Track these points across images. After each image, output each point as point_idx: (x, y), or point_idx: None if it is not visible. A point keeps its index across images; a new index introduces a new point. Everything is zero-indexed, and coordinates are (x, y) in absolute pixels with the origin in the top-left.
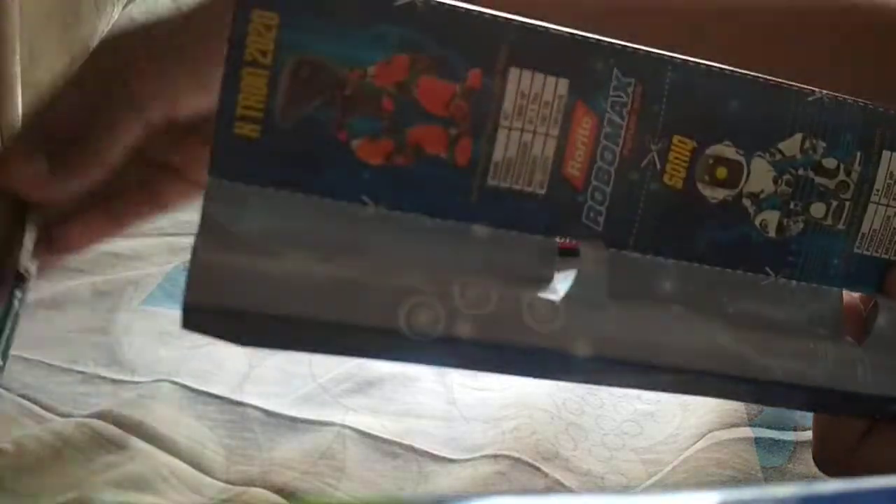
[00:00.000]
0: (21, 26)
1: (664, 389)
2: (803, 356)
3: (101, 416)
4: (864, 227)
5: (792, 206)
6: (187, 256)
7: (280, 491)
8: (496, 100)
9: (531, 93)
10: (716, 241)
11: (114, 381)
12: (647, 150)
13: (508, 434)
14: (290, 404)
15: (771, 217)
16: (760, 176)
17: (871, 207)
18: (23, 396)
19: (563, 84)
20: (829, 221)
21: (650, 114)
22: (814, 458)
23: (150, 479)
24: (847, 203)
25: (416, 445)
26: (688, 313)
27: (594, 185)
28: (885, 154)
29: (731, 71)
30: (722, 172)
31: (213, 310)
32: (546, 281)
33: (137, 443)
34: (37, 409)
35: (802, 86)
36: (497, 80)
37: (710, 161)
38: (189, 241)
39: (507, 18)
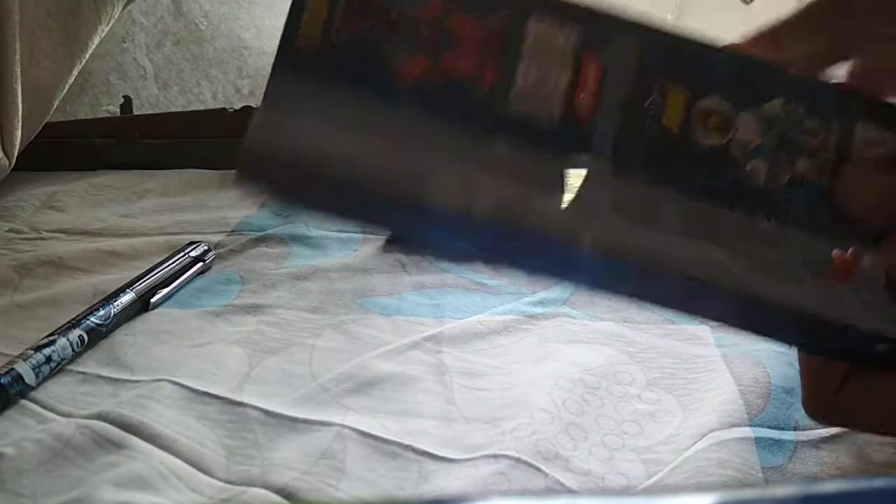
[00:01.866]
0: (21, 26)
1: (660, 301)
2: (795, 282)
3: (101, 416)
4: (843, 184)
5: (777, 157)
6: None
7: (280, 491)
8: (520, 39)
9: (547, 38)
10: (711, 186)
11: (114, 381)
12: (650, 93)
13: (508, 434)
14: (290, 404)
15: (759, 166)
16: (748, 128)
17: (846, 165)
18: (23, 397)
19: (575, 34)
20: (813, 176)
21: (650, 65)
22: (802, 404)
23: (150, 479)
24: (828, 159)
25: (416, 445)
26: (687, 238)
27: (601, 121)
28: (859, 125)
29: (716, 45)
30: (714, 121)
31: (264, 159)
32: (565, 190)
33: (137, 443)
34: (37, 409)
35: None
36: (520, 20)
37: (703, 111)
38: (188, 238)
39: None
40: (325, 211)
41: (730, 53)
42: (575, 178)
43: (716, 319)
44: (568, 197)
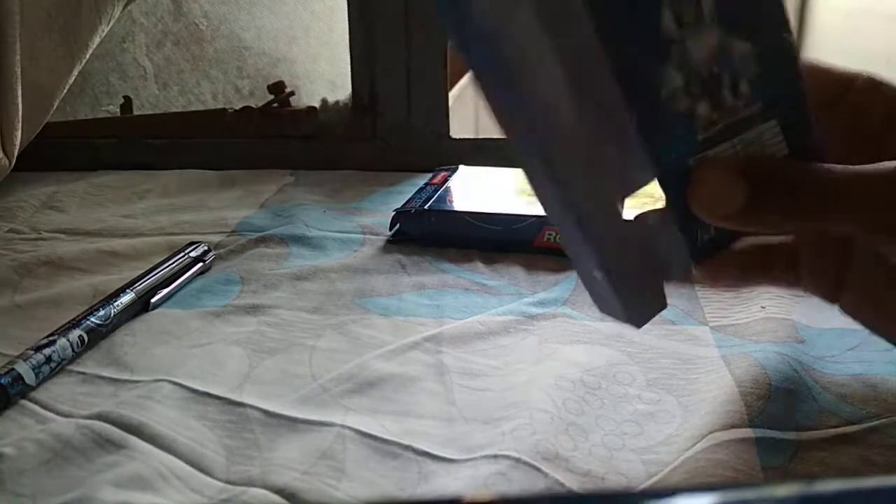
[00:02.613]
0: (21, 26)
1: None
2: (588, 173)
3: (101, 416)
4: (711, 153)
5: (692, 87)
6: None
7: (280, 491)
8: None
9: None
10: (632, 55)
11: (114, 381)
12: None
13: (508, 434)
14: (290, 404)
15: (675, 79)
16: (702, 46)
17: (726, 144)
18: (23, 397)
19: None
20: (699, 123)
21: None
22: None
23: (150, 479)
24: (720, 124)
25: (416, 445)
26: (565, 80)
27: None
28: (772, 122)
29: None
30: (688, 15)
31: None
32: None
33: (137, 443)
34: (37, 409)
35: (790, 22)
36: None
37: None
38: (188, 239)
39: None
40: None
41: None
42: None
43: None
44: None
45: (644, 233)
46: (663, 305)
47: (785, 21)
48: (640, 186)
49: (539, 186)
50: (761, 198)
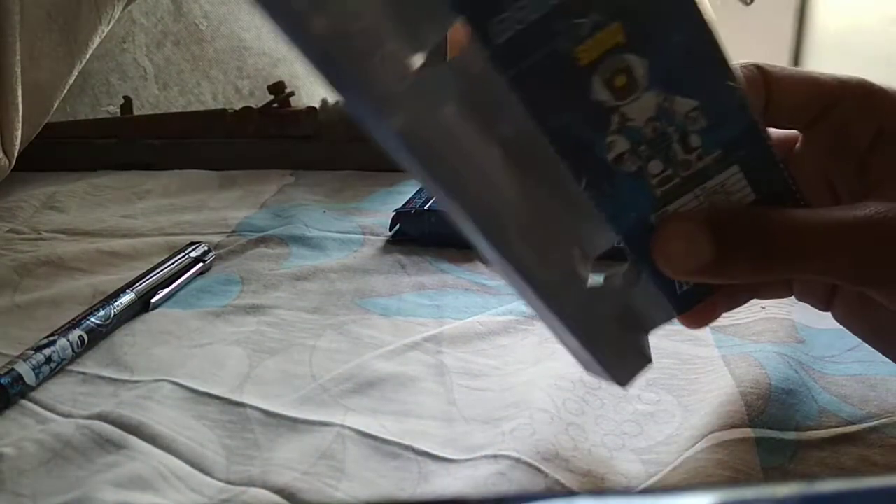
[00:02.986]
0: (21, 26)
1: (441, 203)
2: (541, 249)
3: (101, 416)
4: (672, 208)
5: (641, 148)
6: None
7: (280, 491)
8: None
9: None
10: (568, 129)
11: (114, 381)
12: (586, 14)
13: (508, 434)
14: (290, 404)
15: (620, 144)
16: (642, 108)
17: (688, 196)
18: (23, 397)
19: None
20: (654, 181)
21: None
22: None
23: (150, 479)
24: (677, 178)
25: (416, 446)
26: (501, 160)
27: (525, 4)
28: (734, 168)
29: (699, 7)
30: (621, 81)
31: None
32: (421, 52)
33: (137, 443)
34: (37, 409)
35: (732, 65)
36: None
37: (621, 65)
38: (188, 239)
39: None
40: None
41: (704, 32)
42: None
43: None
44: (417, 65)
45: (615, 295)
46: (648, 360)
47: (727, 70)
48: (603, 249)
49: (493, 262)
50: (730, 250)
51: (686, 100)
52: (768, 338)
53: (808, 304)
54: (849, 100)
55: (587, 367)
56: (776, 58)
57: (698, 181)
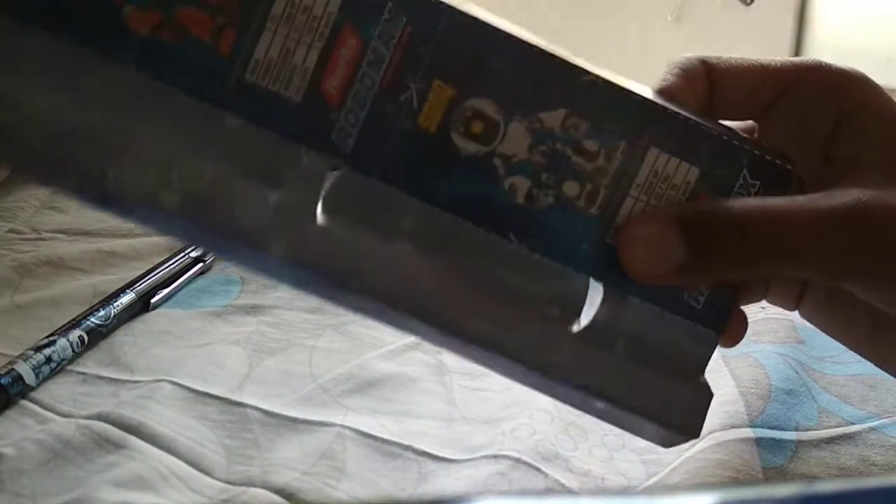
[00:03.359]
0: None
1: (355, 311)
2: (505, 323)
3: (101, 416)
4: (620, 219)
5: (544, 177)
6: None
7: (280, 491)
8: (265, 1)
9: (301, 3)
10: (460, 194)
11: (114, 381)
12: (407, 87)
13: (508, 434)
14: (290, 404)
15: (521, 183)
16: (516, 140)
17: (628, 200)
18: (23, 397)
19: (335, 2)
20: (581, 203)
21: (416, 53)
22: None
23: (150, 479)
24: (602, 189)
25: (416, 445)
26: (414, 253)
27: (349, 107)
28: (652, 151)
29: (509, 31)
30: (477, 127)
31: None
32: (278, 183)
33: (137, 443)
34: (37, 409)
35: (582, 65)
36: None
37: (468, 113)
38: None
39: None
40: (24, 173)
41: (526, 48)
42: (295, 168)
43: (409, 333)
44: (277, 194)
45: (616, 330)
46: (708, 392)
47: (578, 69)
48: (581, 298)
49: (469, 356)
50: (703, 249)
51: (551, 112)
52: (768, 338)
53: (777, 304)
54: (805, 83)
55: (641, 434)
56: (776, 58)
57: (626, 182)
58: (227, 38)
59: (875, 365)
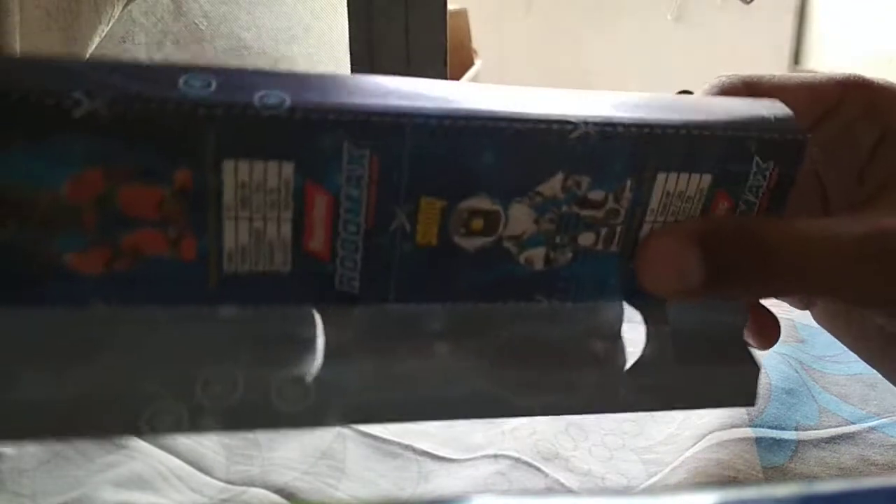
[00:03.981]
0: (21, 26)
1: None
2: (561, 389)
3: None
4: (642, 234)
5: (558, 240)
6: None
7: (280, 491)
8: (214, 195)
9: (253, 182)
10: (477, 282)
11: None
12: (394, 216)
13: (508, 434)
14: None
15: (536, 253)
16: (520, 220)
17: (645, 227)
18: None
19: (288, 167)
20: (599, 247)
21: (390, 182)
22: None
23: (150, 479)
24: (619, 227)
25: (416, 445)
26: (452, 353)
27: (342, 255)
28: (660, 176)
29: (482, 122)
30: (478, 224)
31: None
32: (308, 343)
33: (137, 443)
34: None
35: (566, 120)
36: (210, 176)
37: (465, 215)
38: None
39: (210, 105)
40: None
41: (502, 130)
42: (313, 330)
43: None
44: (310, 367)
45: (675, 343)
46: (755, 363)
47: (563, 127)
48: (618, 320)
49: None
50: (722, 269)
51: (548, 182)
52: None
53: (789, 303)
54: (850, 101)
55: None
56: (776, 58)
57: (640, 212)
58: (188, 246)
59: (884, 377)
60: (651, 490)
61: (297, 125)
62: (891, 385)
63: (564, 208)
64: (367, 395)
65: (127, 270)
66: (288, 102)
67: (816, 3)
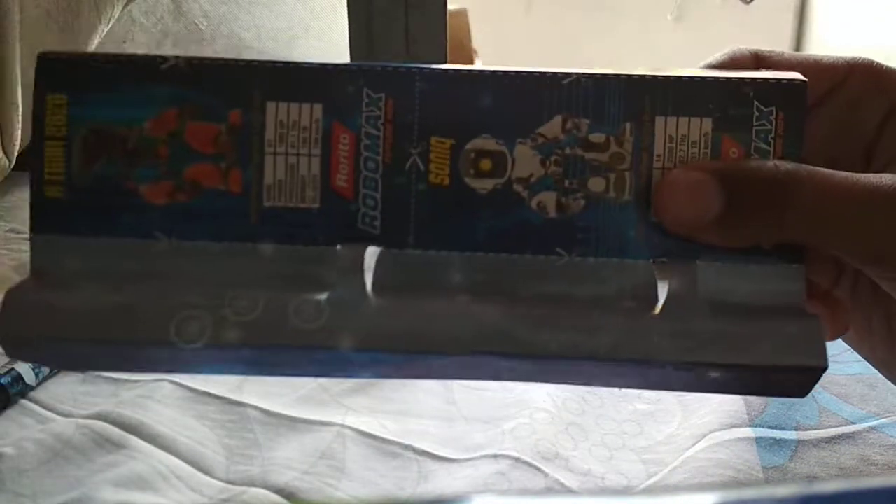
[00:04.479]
0: (21, 26)
1: (439, 376)
2: (583, 329)
3: (101, 416)
4: (654, 180)
5: (567, 184)
6: None
7: (280, 491)
8: (258, 132)
9: (289, 121)
10: (494, 230)
11: (114, 380)
12: (408, 155)
13: (508, 434)
14: (290, 404)
15: (548, 198)
16: (527, 161)
17: (655, 174)
18: (23, 396)
19: (318, 109)
20: (612, 194)
21: (404, 122)
22: None
23: (150, 479)
24: (627, 173)
25: (416, 445)
26: (474, 301)
27: (364, 193)
28: (659, 120)
29: (479, 71)
30: (486, 164)
31: (17, 338)
32: (326, 285)
33: (137, 443)
34: (37, 409)
35: (558, 70)
36: (256, 115)
37: (472, 155)
38: None
39: (259, 62)
40: (82, 370)
41: (500, 78)
42: (335, 266)
43: (498, 379)
44: (328, 295)
45: (710, 295)
46: (816, 321)
47: (556, 76)
48: (651, 283)
49: (558, 376)
50: (739, 205)
51: (548, 124)
52: None
53: (813, 278)
54: (857, 79)
55: (776, 389)
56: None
57: (646, 158)
58: (235, 178)
59: (886, 378)
60: (651, 490)
61: (326, 73)
62: (891, 385)
63: (568, 150)
64: (379, 322)
65: (186, 202)
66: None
67: (816, 3)
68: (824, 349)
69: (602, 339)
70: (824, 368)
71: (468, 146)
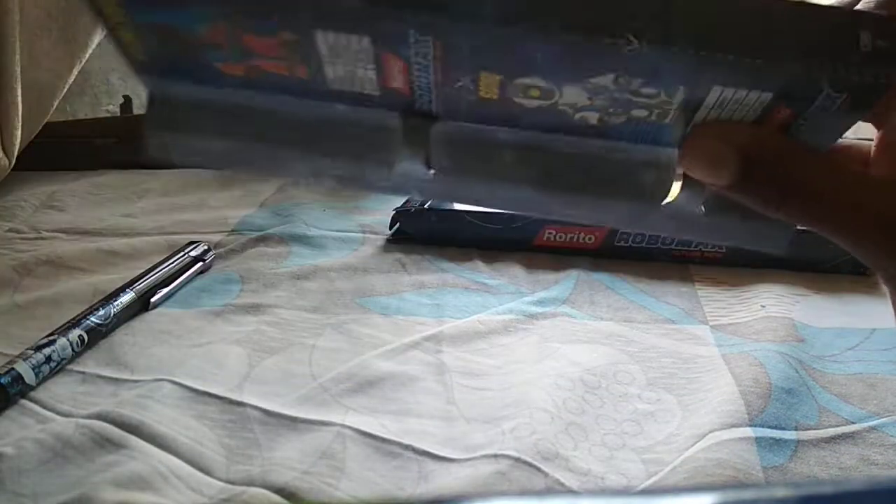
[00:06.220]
0: (21, 26)
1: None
2: (598, 211)
3: (101, 416)
4: (697, 118)
5: (611, 110)
6: None
7: (280, 491)
8: (313, 49)
9: (339, 46)
10: (539, 125)
11: (114, 380)
12: (458, 80)
13: (508, 434)
14: (290, 404)
15: (590, 115)
16: (574, 96)
17: (700, 112)
18: (23, 396)
19: (366, 40)
20: (653, 118)
21: (454, 61)
22: None
23: (150, 479)
24: (671, 109)
25: (416, 445)
26: (511, 164)
27: (419, 93)
28: (715, 89)
29: (531, 25)
30: (535, 92)
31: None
32: (393, 148)
33: (137, 443)
34: (37, 408)
35: (620, 39)
36: (306, 37)
37: (521, 87)
38: (188, 238)
39: None
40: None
41: (555, 34)
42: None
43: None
44: (396, 156)
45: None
46: (790, 227)
47: (617, 43)
48: (672, 163)
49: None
50: (751, 180)
51: (600, 77)
52: (768, 337)
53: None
54: None
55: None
56: None
57: (695, 104)
58: (301, 71)
59: None
60: (651, 490)
61: (370, 14)
62: (891, 384)
63: (616, 95)
64: (437, 185)
65: (258, 78)
66: None
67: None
68: (786, 243)
69: (613, 217)
70: (780, 251)
71: (516, 81)
